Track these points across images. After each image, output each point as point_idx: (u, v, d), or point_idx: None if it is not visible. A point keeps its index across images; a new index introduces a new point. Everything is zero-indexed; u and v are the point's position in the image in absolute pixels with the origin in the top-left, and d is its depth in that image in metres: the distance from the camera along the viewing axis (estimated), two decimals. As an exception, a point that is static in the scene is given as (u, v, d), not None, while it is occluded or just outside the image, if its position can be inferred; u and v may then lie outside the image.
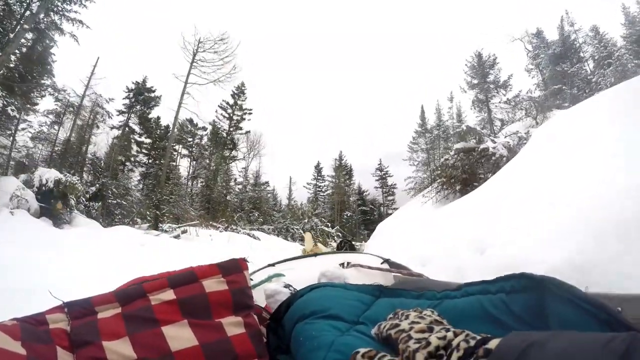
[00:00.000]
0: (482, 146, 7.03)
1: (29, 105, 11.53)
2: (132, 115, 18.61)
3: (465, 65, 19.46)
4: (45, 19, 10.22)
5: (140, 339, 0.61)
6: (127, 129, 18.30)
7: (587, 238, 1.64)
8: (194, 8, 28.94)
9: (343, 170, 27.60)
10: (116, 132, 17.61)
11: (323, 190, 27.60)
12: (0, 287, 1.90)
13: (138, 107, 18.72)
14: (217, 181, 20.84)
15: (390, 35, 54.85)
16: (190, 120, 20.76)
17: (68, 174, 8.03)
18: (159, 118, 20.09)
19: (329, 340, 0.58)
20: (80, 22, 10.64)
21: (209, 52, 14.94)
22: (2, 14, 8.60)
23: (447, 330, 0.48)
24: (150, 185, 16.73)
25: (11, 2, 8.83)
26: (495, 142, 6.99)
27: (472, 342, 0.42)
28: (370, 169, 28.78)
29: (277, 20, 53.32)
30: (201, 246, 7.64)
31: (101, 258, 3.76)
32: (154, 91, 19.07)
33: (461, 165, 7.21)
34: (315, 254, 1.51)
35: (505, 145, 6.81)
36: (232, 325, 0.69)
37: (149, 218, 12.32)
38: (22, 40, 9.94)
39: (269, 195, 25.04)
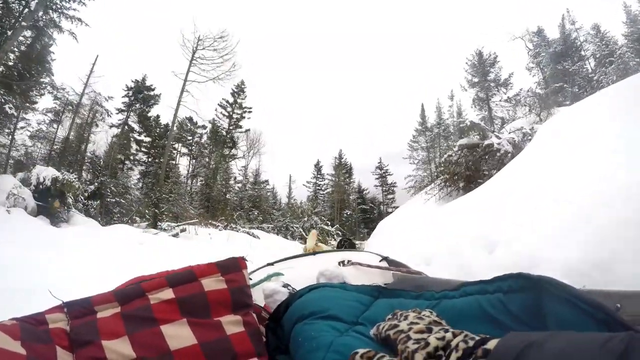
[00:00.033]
0: (486, 142, 6.86)
1: (28, 104, 11.50)
2: (132, 114, 18.57)
3: (466, 63, 19.45)
4: (44, 17, 10.16)
5: (140, 338, 0.61)
6: (126, 127, 18.25)
7: (595, 236, 1.62)
8: (193, 6, 28.77)
9: (343, 168, 27.59)
10: (115, 131, 17.58)
11: (323, 188, 27.61)
12: (0, 287, 1.90)
13: (137, 105, 18.67)
14: (216, 179, 20.83)
15: (390, 35, 54.64)
16: (190, 119, 20.73)
17: (65, 172, 7.99)
18: (158, 116, 20.06)
19: (328, 340, 0.58)
20: (79, 20, 10.58)
21: (209, 49, 14.90)
22: (0, 12, 8.55)
23: (446, 330, 0.48)
24: (150, 184, 16.72)
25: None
26: (500, 138, 6.82)
27: (471, 343, 0.42)
28: (370, 168, 28.83)
29: (277, 20, 53.10)
30: (200, 245, 7.65)
31: (100, 257, 3.76)
32: (153, 89, 19.03)
33: (465, 162, 7.02)
34: (314, 253, 1.52)
35: (510, 141, 6.64)
36: (231, 324, 0.69)
37: (147, 217, 12.33)
38: (21, 39, 9.90)
39: (268, 193, 25.05)
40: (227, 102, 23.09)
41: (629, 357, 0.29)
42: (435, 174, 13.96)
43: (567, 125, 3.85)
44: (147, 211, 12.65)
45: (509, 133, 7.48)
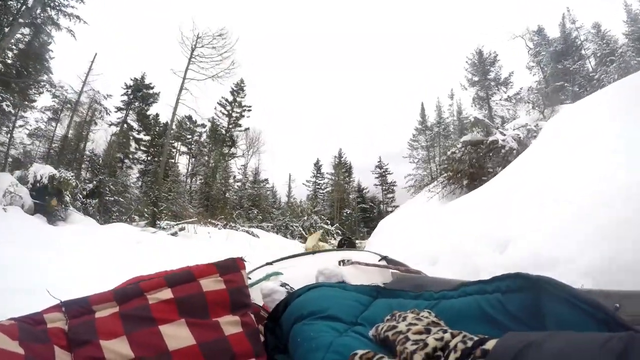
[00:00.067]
0: (491, 138, 6.73)
1: (26, 102, 11.46)
2: (131, 112, 18.51)
3: (466, 62, 19.41)
4: (42, 14, 10.11)
5: (138, 338, 0.61)
6: (125, 125, 18.20)
7: (596, 236, 1.58)
8: (192, 3, 28.65)
9: (343, 167, 27.58)
10: (114, 129, 17.53)
11: (322, 187, 27.61)
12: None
13: (136, 103, 18.61)
14: (216, 178, 20.80)
15: (390, 34, 54.44)
16: (189, 117, 20.69)
17: (63, 170, 7.94)
18: (157, 115, 20.00)
19: (327, 341, 0.58)
20: (77, 17, 10.54)
21: (208, 47, 14.88)
22: (-2, 9, 8.50)
23: (445, 331, 0.48)
24: (149, 183, 16.71)
25: (7, -3, 8.72)
26: (504, 135, 6.66)
27: (470, 343, 0.42)
28: (370, 167, 28.81)
29: (277, 19, 52.87)
30: (199, 244, 7.63)
31: (98, 256, 3.75)
32: (152, 88, 18.96)
33: (469, 159, 6.89)
34: (314, 252, 1.52)
35: (515, 137, 6.50)
36: (230, 325, 0.69)
37: (146, 215, 12.32)
38: (20, 36, 9.85)
39: (268, 192, 25.03)
40: (227, 100, 23.03)
41: (628, 357, 0.29)
42: (439, 171, 13.90)
43: (569, 123, 3.84)
44: (145, 210, 12.64)
45: (514, 130, 7.28)
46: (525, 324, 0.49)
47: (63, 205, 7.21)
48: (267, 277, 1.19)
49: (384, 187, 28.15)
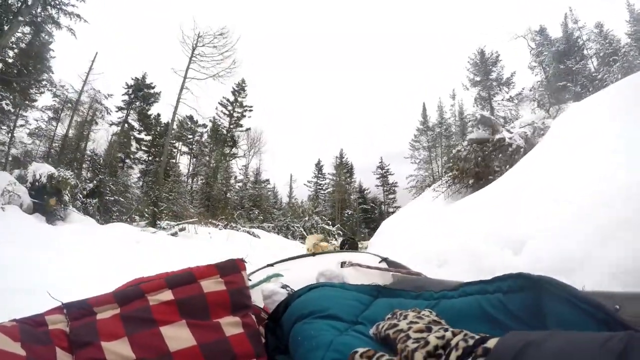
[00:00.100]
0: (497, 136, 6.53)
1: (27, 101, 11.48)
2: (132, 112, 18.54)
3: (468, 62, 19.43)
4: (42, 13, 10.12)
5: (139, 340, 0.61)
6: (126, 125, 18.23)
7: (596, 235, 1.56)
8: (193, 3, 28.66)
9: (344, 168, 27.58)
10: (115, 129, 17.58)
11: (324, 188, 27.61)
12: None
13: (137, 103, 18.65)
14: (217, 178, 20.82)
15: (391, 34, 54.41)
16: (190, 117, 20.72)
17: (62, 169, 7.92)
18: (158, 115, 20.05)
19: (328, 339, 0.59)
20: (78, 16, 10.55)
21: (208, 46, 14.90)
22: (-2, 8, 8.51)
23: (446, 329, 0.48)
24: (150, 183, 16.74)
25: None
26: (511, 133, 6.48)
27: (471, 342, 0.42)
28: (371, 167, 28.82)
29: (277, 19, 52.88)
30: (200, 244, 7.62)
31: (98, 256, 3.73)
32: (153, 87, 19.00)
33: (474, 158, 6.68)
34: (314, 254, 1.52)
35: (522, 135, 6.32)
36: (230, 326, 0.69)
37: (147, 215, 12.33)
38: (20, 35, 9.86)
39: (269, 193, 25.04)
40: (228, 100, 23.05)
41: (628, 356, 0.29)
42: (443, 170, 13.80)
43: (573, 123, 3.81)
44: (146, 210, 12.65)
45: (520, 128, 7.08)
46: (526, 324, 0.50)
47: (62, 205, 7.17)
48: (267, 279, 1.19)
49: (385, 188, 28.15)
